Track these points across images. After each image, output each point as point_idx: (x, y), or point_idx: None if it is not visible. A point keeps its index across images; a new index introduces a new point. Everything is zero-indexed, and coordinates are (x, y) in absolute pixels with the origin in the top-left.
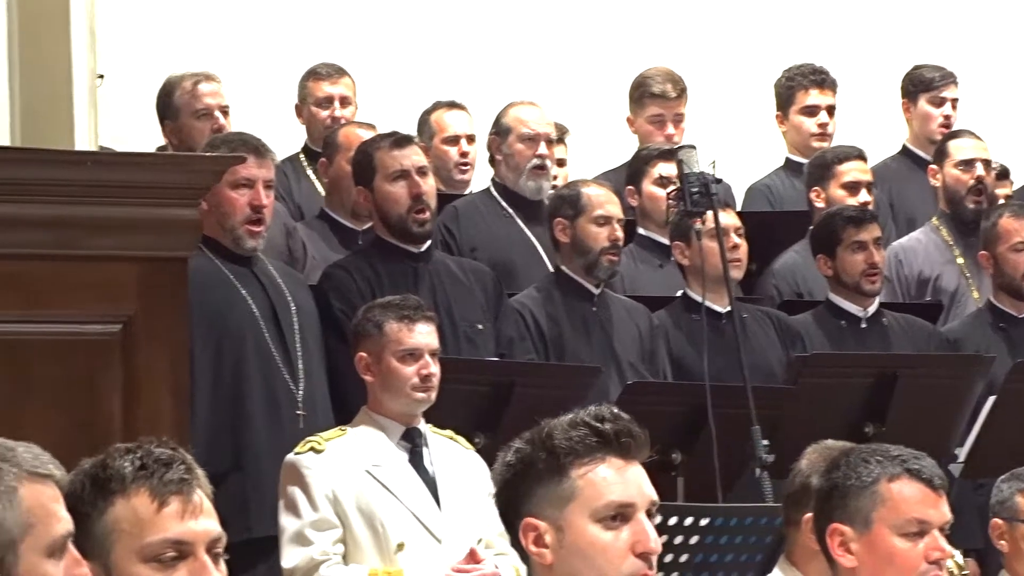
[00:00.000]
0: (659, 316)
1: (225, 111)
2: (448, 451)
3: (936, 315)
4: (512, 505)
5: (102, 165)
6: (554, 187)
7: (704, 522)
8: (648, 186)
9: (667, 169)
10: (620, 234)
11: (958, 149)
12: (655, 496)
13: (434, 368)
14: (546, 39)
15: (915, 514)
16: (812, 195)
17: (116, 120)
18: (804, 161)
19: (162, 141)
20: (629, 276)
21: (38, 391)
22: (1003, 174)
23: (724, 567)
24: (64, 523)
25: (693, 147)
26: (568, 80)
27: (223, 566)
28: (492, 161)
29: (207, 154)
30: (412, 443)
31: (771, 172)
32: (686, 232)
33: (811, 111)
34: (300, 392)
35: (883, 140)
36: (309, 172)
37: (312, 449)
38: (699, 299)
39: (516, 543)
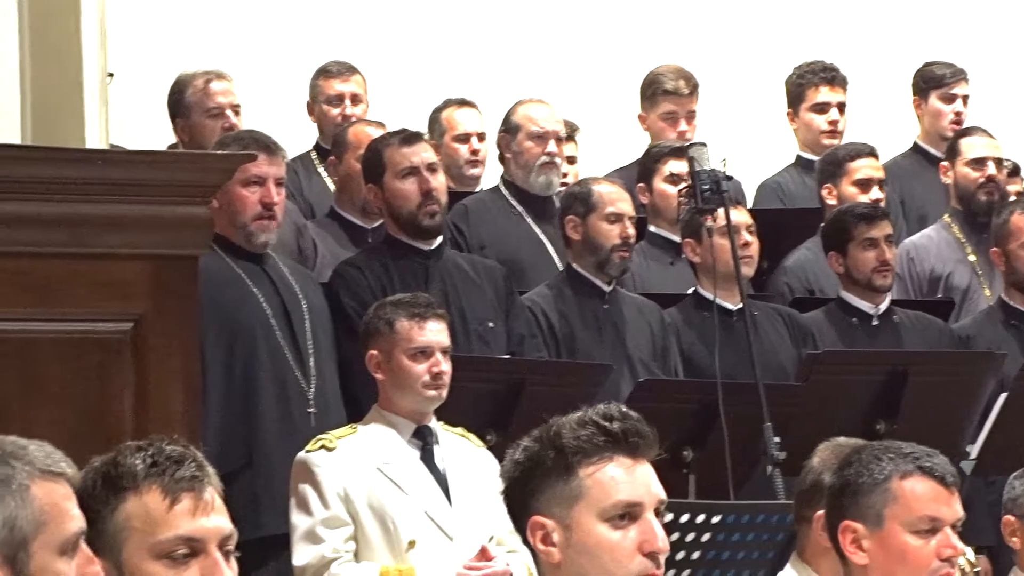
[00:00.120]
0: (670, 313)
1: (236, 110)
2: (459, 449)
3: (947, 312)
4: (520, 503)
5: (113, 163)
6: (565, 184)
7: (716, 519)
8: (659, 184)
9: (678, 167)
10: (632, 231)
11: (970, 147)
12: (663, 495)
13: (445, 366)
14: (557, 37)
15: (927, 511)
16: (824, 192)
17: (126, 118)
18: (815, 158)
19: (172, 139)
20: (640, 274)
21: (49, 389)
22: (1015, 171)
23: (736, 564)
24: (76, 521)
25: (704, 144)
26: (579, 78)
27: (234, 564)
28: (502, 159)
29: (218, 152)
30: (423, 441)
31: (782, 169)
32: (697, 229)
33: (822, 108)
34: (311, 390)
35: (894, 137)
36: (320, 170)
37: (323, 447)
38: (710, 296)
39: (525, 541)
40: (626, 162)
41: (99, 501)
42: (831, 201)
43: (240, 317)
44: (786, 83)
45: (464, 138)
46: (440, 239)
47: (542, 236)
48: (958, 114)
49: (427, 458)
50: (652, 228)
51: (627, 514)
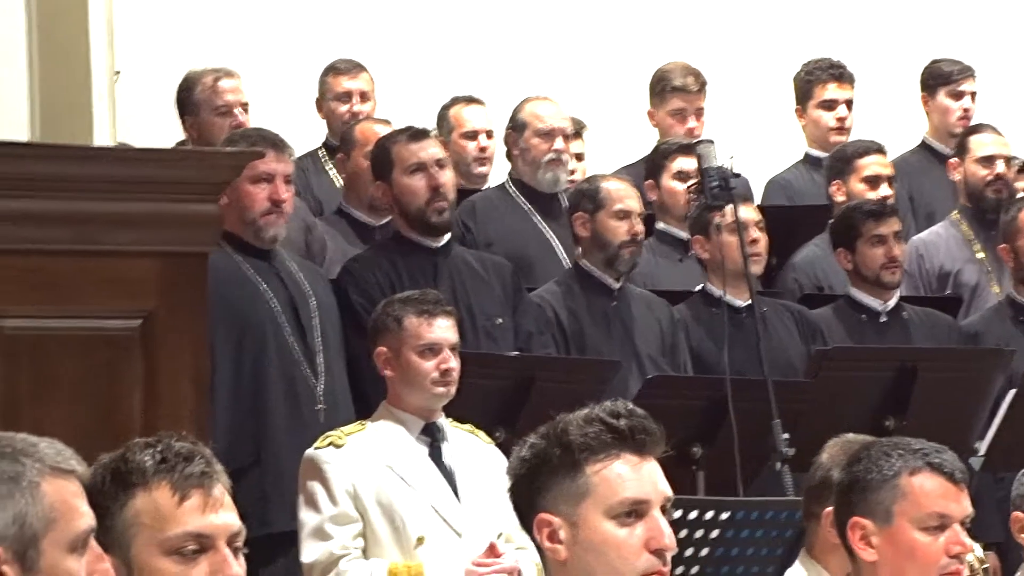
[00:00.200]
0: (679, 310)
1: (245, 108)
2: (468, 445)
3: (956, 309)
4: (527, 500)
5: (121, 161)
6: (572, 182)
7: (725, 516)
8: (667, 181)
9: (686, 163)
10: (640, 228)
11: (979, 145)
12: (670, 492)
13: (453, 362)
14: (564, 34)
15: (936, 508)
16: (832, 189)
17: (133, 116)
18: (823, 155)
19: (180, 136)
20: (648, 270)
21: (59, 386)
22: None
23: (745, 561)
24: (86, 518)
25: (712, 142)
26: (586, 75)
27: (242, 560)
28: (509, 156)
29: (226, 149)
30: (432, 437)
31: (790, 166)
32: (706, 226)
33: (829, 105)
34: (320, 387)
35: (902, 134)
36: (329, 167)
37: (332, 444)
38: (719, 293)
39: (531, 538)
40: (634, 159)
41: (108, 497)
42: (840, 198)
43: (249, 314)
44: (794, 80)
45: (472, 135)
46: (448, 236)
47: (549, 233)
48: (966, 111)
49: (435, 455)
50: (660, 225)
51: (634, 511)
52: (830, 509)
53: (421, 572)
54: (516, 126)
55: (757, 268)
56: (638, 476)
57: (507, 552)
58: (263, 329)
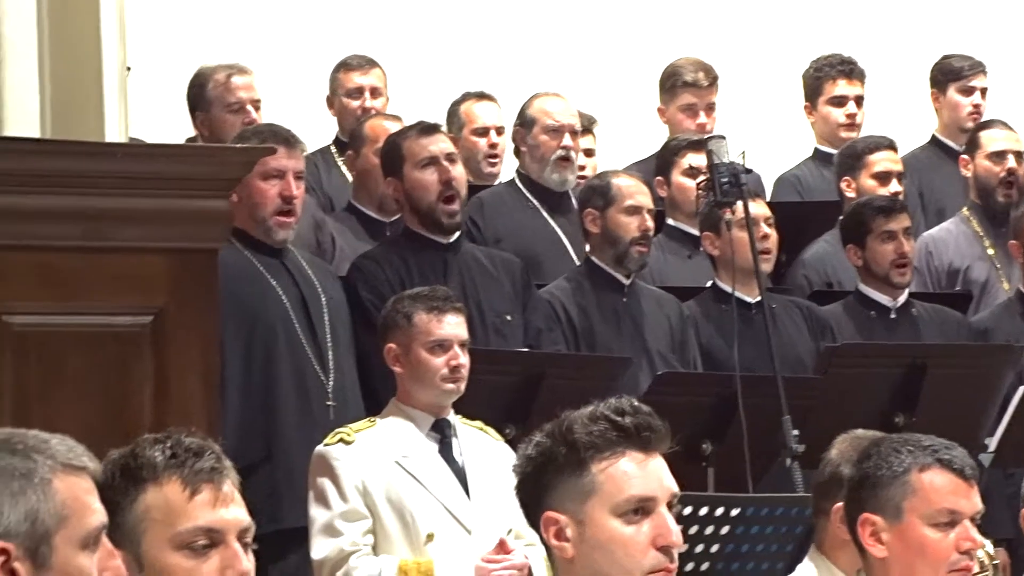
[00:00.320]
0: (689, 307)
1: (257, 105)
2: (478, 442)
3: (965, 305)
4: (533, 499)
5: (133, 157)
6: (581, 178)
7: (735, 512)
8: (677, 177)
9: (696, 160)
10: (651, 224)
11: (990, 140)
12: (676, 488)
13: (463, 359)
14: (575, 29)
15: (946, 504)
16: (842, 185)
17: (144, 112)
18: (833, 151)
19: (189, 132)
20: (657, 267)
21: (69, 383)
22: None
23: (754, 557)
24: (98, 515)
25: (723, 137)
26: (597, 70)
27: (251, 556)
28: (517, 152)
29: (237, 145)
30: (441, 434)
31: (800, 163)
32: (716, 223)
33: (839, 101)
34: (330, 383)
35: (912, 130)
36: (340, 163)
37: (341, 440)
38: (729, 290)
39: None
40: (644, 155)
41: (118, 492)
42: (850, 194)
43: (259, 311)
44: (803, 76)
45: (483, 132)
46: (458, 233)
47: (557, 230)
48: (976, 107)
49: (445, 451)
50: (670, 221)
51: (640, 508)
52: (839, 505)
53: (431, 569)
54: (524, 122)
55: (767, 264)
56: (644, 473)
57: (517, 548)
58: (273, 326)
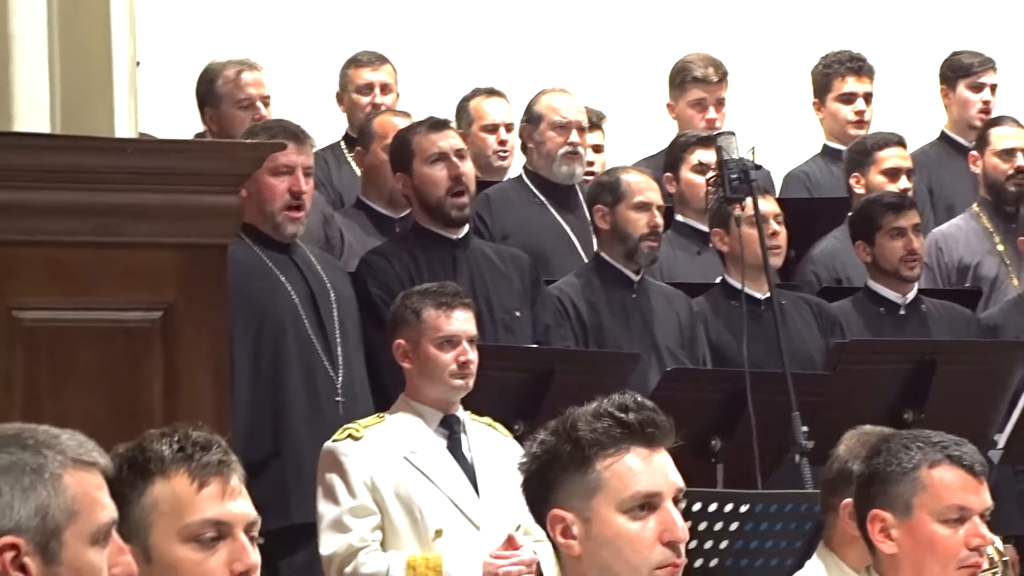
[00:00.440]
0: (698, 303)
1: (266, 101)
2: (486, 438)
3: (975, 302)
4: (539, 496)
5: (143, 152)
6: (589, 174)
7: (743, 508)
8: (686, 173)
9: (705, 156)
10: (660, 220)
11: (1000, 137)
12: (681, 483)
13: (472, 355)
14: (584, 25)
15: (956, 500)
16: (852, 181)
17: (154, 107)
18: (841, 148)
19: (198, 128)
20: (666, 263)
21: (79, 378)
22: None
23: (763, 553)
24: (108, 511)
25: (732, 133)
26: (606, 66)
27: (257, 551)
28: (524, 148)
29: (247, 141)
30: (450, 430)
31: (809, 159)
32: (725, 219)
33: (848, 98)
34: (339, 379)
35: (921, 126)
36: (349, 159)
37: (350, 436)
38: (738, 286)
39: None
40: (654, 151)
41: (126, 486)
42: (859, 190)
43: (268, 306)
44: (812, 73)
45: (492, 128)
46: (467, 229)
47: (565, 226)
48: (986, 103)
49: (454, 447)
50: (679, 217)
51: (646, 504)
52: (848, 501)
53: (439, 564)
54: (531, 118)
55: (776, 261)
56: (649, 469)
57: (525, 544)
58: (282, 322)
